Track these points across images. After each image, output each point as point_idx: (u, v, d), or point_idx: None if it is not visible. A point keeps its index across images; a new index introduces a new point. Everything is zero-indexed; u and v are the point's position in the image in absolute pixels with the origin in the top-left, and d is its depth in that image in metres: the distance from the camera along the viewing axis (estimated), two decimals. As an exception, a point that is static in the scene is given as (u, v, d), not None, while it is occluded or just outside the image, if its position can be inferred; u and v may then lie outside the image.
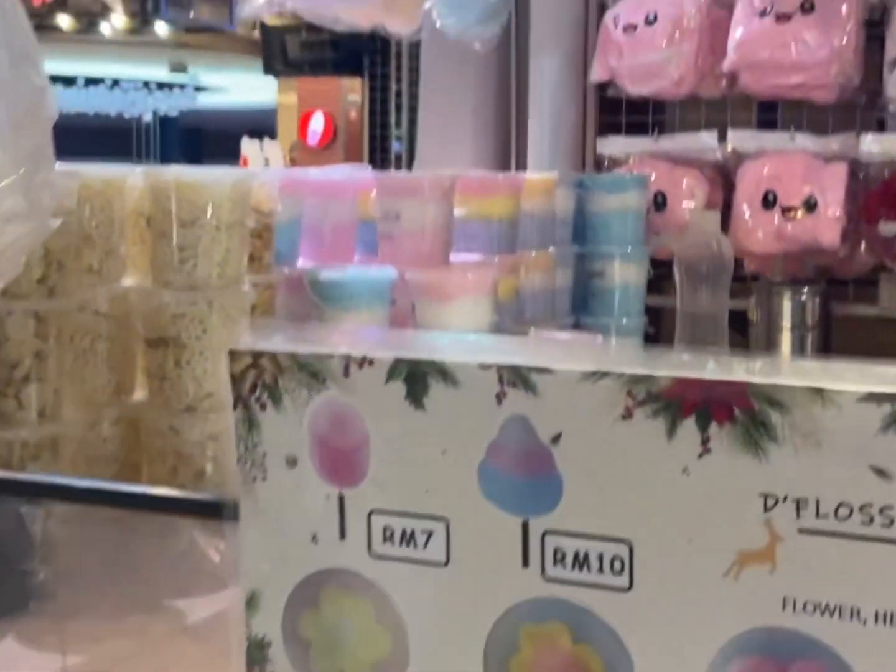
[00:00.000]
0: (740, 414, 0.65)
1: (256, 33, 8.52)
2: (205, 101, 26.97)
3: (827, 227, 2.83)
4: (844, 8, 2.81)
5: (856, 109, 3.02)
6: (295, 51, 9.00)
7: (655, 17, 2.99)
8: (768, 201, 2.89)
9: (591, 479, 0.69)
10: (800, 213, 2.85)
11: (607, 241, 2.84)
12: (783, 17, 2.83)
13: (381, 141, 9.99)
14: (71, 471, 1.65)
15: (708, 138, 3.06)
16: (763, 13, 2.87)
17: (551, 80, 3.20)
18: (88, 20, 16.78)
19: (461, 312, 2.07)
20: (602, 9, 3.19)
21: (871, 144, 2.85)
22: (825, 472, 0.64)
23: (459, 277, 2.08)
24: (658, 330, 3.05)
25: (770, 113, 3.18)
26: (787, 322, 2.82)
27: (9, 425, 1.56)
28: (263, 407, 0.75)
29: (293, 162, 16.48)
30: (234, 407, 0.76)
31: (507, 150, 3.35)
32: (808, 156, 2.91)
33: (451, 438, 0.72)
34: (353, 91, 15.90)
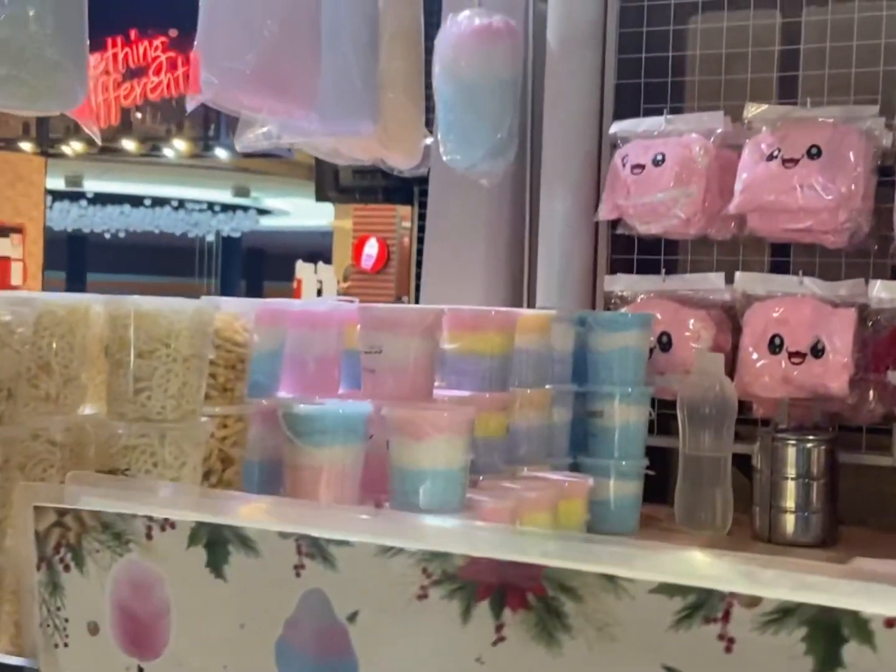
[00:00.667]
0: (534, 600, 0.60)
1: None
2: (266, 223, 27.56)
3: (835, 373, 2.76)
4: (852, 155, 2.79)
5: (868, 255, 2.97)
6: (347, 178, 9.20)
7: (663, 158, 2.99)
8: (775, 345, 2.83)
9: (386, 665, 0.64)
10: (807, 359, 2.78)
11: (608, 380, 2.79)
12: (790, 162, 2.82)
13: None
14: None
15: (716, 280, 3.03)
16: (770, 157, 2.86)
17: (562, 216, 3.20)
18: (153, 144, 17.35)
19: (434, 451, 2.03)
20: (614, 147, 3.20)
21: (880, 291, 2.79)
22: (618, 670, 0.59)
23: (433, 416, 2.04)
24: (662, 471, 2.97)
25: (782, 255, 3.15)
26: (791, 471, 2.73)
27: (-55, 554, 1.53)
28: (67, 568, 0.71)
29: (347, 286, 16.65)
30: (38, 567, 0.72)
31: (519, 287, 3.34)
32: (816, 301, 2.86)
33: (250, 612, 0.67)
34: (406, 218, 16.21)
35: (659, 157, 2.99)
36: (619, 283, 3.14)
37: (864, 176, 2.81)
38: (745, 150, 2.93)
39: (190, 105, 2.13)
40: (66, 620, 0.73)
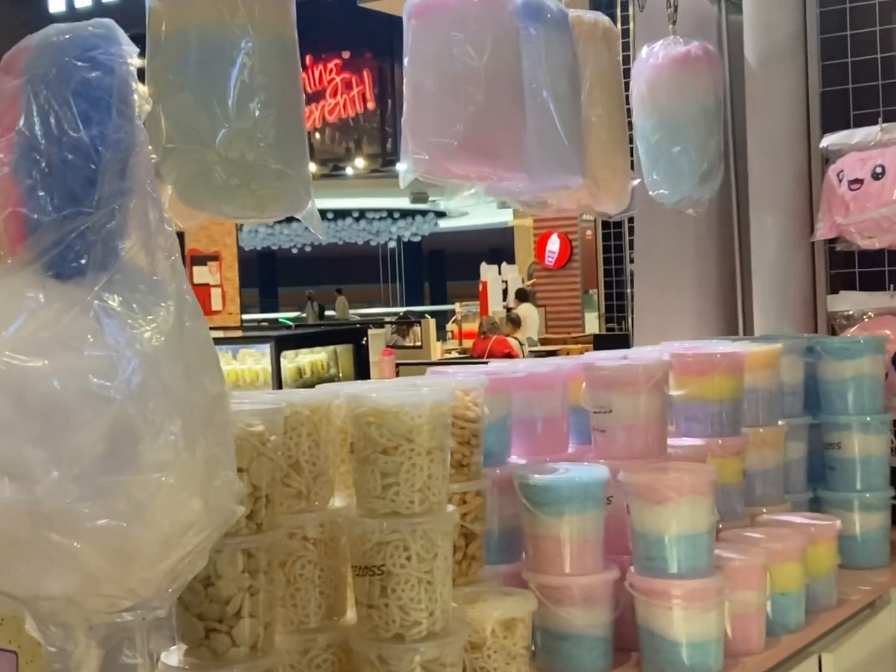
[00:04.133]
0: None
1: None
2: (445, 225, 27.86)
3: None
4: None
5: None
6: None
7: (883, 171, 2.84)
8: None
9: None
10: None
11: (844, 410, 2.68)
12: None
13: (616, 262, 10.03)
14: (283, 699, 1.66)
15: (950, 292, 2.87)
16: None
17: (775, 238, 3.09)
18: (333, 165, 17.79)
19: (678, 516, 1.98)
20: (826, 161, 3.07)
21: None
22: None
23: (674, 479, 1.99)
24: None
25: None
26: None
27: (222, 661, 1.58)
28: None
29: (531, 283, 16.60)
30: None
31: (734, 315, 3.24)
32: None
33: None
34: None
35: (878, 170, 2.84)
36: (844, 302, 3.00)
37: None
38: (973, 153, 2.76)
39: (403, 182, 2.15)
40: None
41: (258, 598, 1.62)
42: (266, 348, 7.61)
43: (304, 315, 20.65)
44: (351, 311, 20.83)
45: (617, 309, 10.15)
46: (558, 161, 2.30)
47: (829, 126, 3.12)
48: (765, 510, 2.50)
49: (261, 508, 1.65)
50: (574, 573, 2.00)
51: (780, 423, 2.57)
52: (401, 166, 2.14)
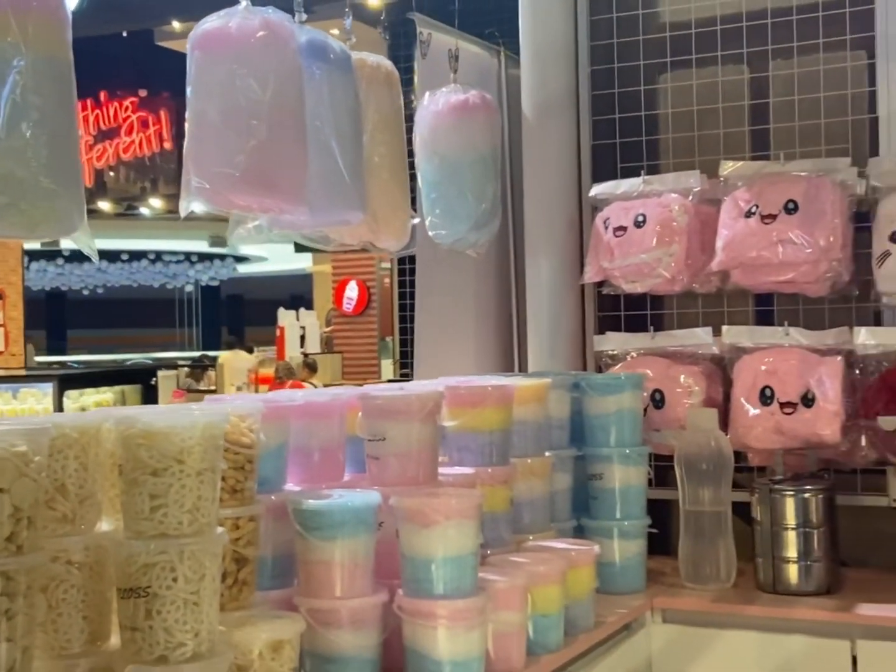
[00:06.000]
0: None
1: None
2: (244, 270, 27.55)
3: (826, 421, 2.81)
4: (828, 207, 2.86)
5: (851, 300, 3.03)
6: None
7: (644, 219, 3.05)
8: (766, 396, 2.88)
9: None
10: (798, 409, 2.83)
11: (606, 442, 2.84)
12: (768, 218, 2.88)
13: (410, 309, 10.20)
14: (41, 726, 1.63)
15: (703, 335, 3.08)
16: (749, 214, 2.92)
17: (548, 281, 3.26)
18: (128, 204, 17.36)
19: (444, 538, 2.05)
20: (595, 209, 3.26)
21: (866, 338, 2.85)
22: None
23: (441, 503, 2.07)
24: (663, 523, 3.01)
25: (766, 305, 3.20)
26: (791, 521, 2.77)
27: (-25, 686, 1.55)
28: None
29: (330, 329, 16.58)
30: None
31: (511, 352, 3.38)
32: (803, 350, 2.91)
33: None
34: (385, 258, 16.19)
35: (640, 219, 3.05)
36: (610, 343, 3.18)
37: (841, 226, 2.88)
38: (724, 207, 2.99)
39: (183, 211, 2.17)
40: None
41: (16, 622, 1.59)
42: (49, 387, 7.38)
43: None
44: (144, 356, 20.24)
45: (411, 355, 10.29)
46: (339, 196, 2.37)
47: (598, 177, 3.33)
48: (531, 537, 2.61)
49: (22, 530, 1.62)
50: (344, 597, 2.04)
51: (547, 454, 2.70)
52: (182, 195, 2.16)
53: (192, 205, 2.16)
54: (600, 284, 3.23)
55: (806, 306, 3.11)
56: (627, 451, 2.82)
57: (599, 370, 3.22)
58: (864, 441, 2.82)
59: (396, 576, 2.16)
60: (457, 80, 2.97)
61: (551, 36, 3.28)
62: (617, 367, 3.13)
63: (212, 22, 2.21)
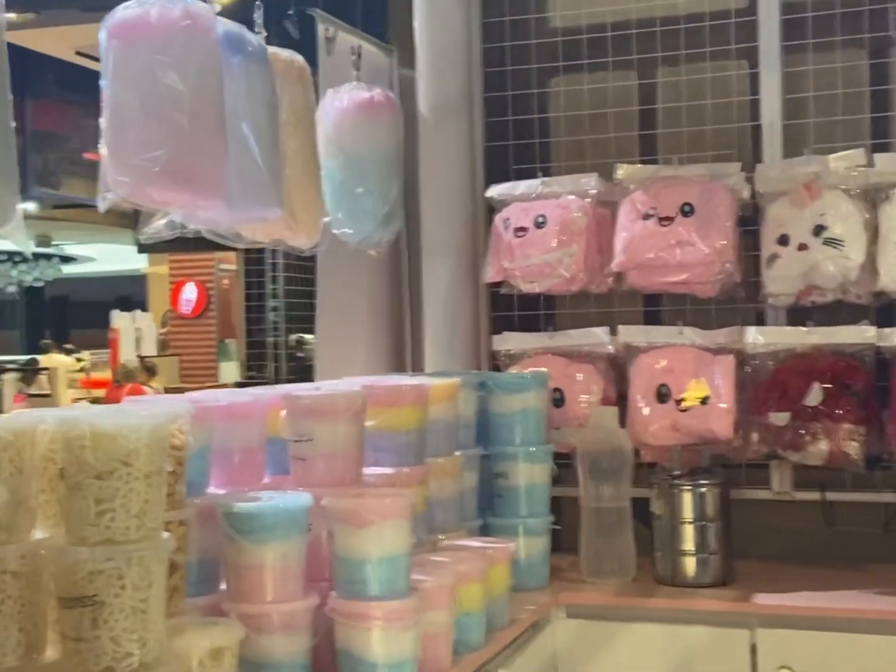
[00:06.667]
0: None
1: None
2: (70, 270, 26.64)
3: (719, 418, 2.91)
4: (721, 210, 2.96)
5: (736, 301, 3.14)
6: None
7: (545, 220, 3.09)
8: (662, 395, 2.96)
9: None
10: (693, 406, 2.92)
11: (511, 441, 2.87)
12: (666, 220, 2.96)
13: (257, 310, 10.06)
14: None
15: (601, 334, 3.15)
16: (646, 216, 3.00)
17: (445, 280, 3.26)
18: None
19: (381, 539, 2.04)
20: (491, 211, 3.29)
21: (756, 337, 2.97)
22: None
23: (377, 504, 2.05)
24: (563, 522, 3.06)
25: (655, 305, 3.29)
26: (688, 515, 2.86)
27: (-87, 707, 1.45)
28: None
29: (165, 331, 16.17)
30: None
31: (402, 352, 3.38)
32: (696, 349, 3.01)
33: None
34: (225, 260, 15.84)
35: (541, 220, 3.09)
36: (508, 342, 3.22)
37: (732, 228, 2.99)
38: (622, 209, 3.06)
39: (102, 206, 2.09)
40: None
41: (-48, 635, 1.50)
42: None
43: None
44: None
45: (258, 357, 10.20)
46: (257, 193, 2.31)
47: (492, 178, 3.36)
48: (443, 536, 2.61)
49: (-44, 539, 1.53)
50: (276, 601, 2.00)
51: (457, 453, 2.71)
52: (101, 188, 2.07)
53: (111, 199, 2.08)
54: (497, 284, 3.26)
55: (693, 307, 3.22)
56: (533, 449, 2.86)
57: (497, 369, 3.25)
58: (755, 437, 2.93)
59: (325, 578, 2.13)
60: (360, 77, 2.94)
61: (446, 37, 3.28)
62: (516, 366, 3.17)
63: (130, 9, 2.12)
